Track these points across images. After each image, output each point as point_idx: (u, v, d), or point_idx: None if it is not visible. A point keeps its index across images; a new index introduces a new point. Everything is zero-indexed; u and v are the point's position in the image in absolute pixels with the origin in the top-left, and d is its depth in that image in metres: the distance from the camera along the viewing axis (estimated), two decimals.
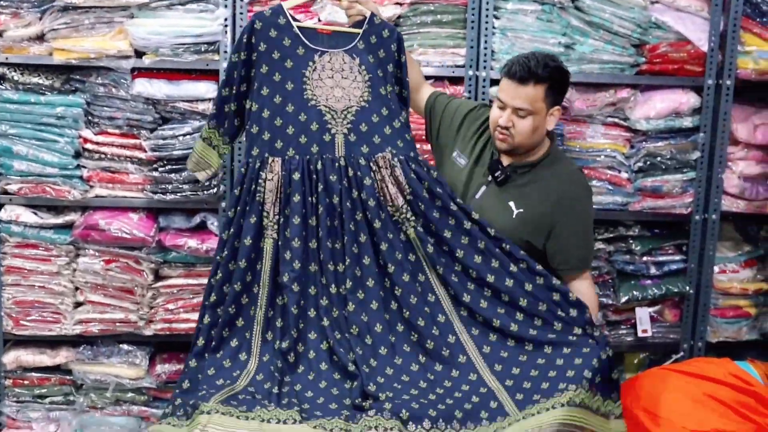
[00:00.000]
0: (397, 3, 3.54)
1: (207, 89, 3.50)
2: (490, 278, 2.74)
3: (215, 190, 3.53)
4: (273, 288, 2.76)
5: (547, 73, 2.79)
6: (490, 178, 2.91)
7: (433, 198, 2.79)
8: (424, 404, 2.55)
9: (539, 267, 2.74)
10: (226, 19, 3.46)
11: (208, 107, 3.49)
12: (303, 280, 2.75)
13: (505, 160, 2.92)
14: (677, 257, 3.85)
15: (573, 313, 2.69)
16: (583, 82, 3.61)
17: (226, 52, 3.48)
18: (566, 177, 2.93)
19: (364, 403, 2.56)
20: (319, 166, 2.80)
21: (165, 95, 3.49)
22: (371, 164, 2.81)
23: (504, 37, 3.56)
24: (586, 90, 3.65)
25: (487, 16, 3.55)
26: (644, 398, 2.74)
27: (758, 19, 3.67)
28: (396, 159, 2.82)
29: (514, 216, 2.86)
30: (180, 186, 3.53)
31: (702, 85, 3.68)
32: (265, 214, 2.76)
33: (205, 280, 3.53)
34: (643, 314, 3.81)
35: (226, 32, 3.47)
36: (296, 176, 2.78)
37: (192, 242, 3.55)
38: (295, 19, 2.87)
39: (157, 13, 3.46)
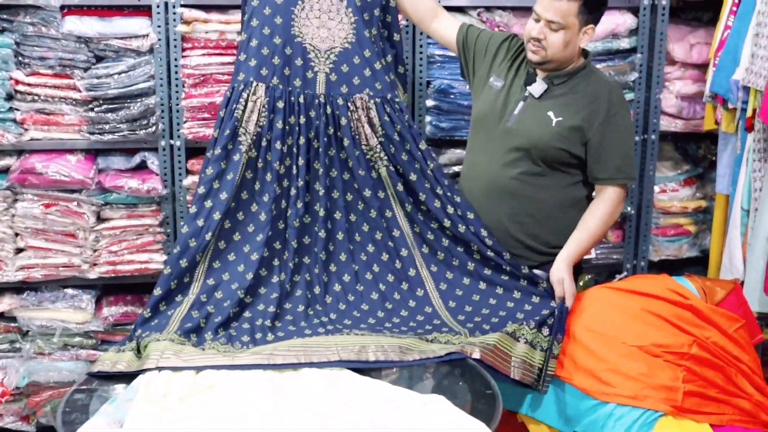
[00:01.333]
0: None
1: (140, 25, 3.41)
2: (447, 223, 2.90)
3: (154, 128, 3.46)
4: (237, 203, 2.89)
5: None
6: (527, 92, 2.92)
7: (403, 141, 2.92)
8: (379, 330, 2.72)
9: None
10: None
11: (143, 44, 3.41)
12: (278, 202, 2.90)
13: (541, 75, 2.93)
14: None
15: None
16: (519, 6, 3.62)
17: None
18: (604, 87, 2.96)
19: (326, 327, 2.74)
20: (300, 100, 2.94)
21: (97, 33, 3.40)
22: (349, 104, 2.95)
23: None
24: (524, 14, 3.61)
25: None
26: (584, 316, 2.77)
27: None
28: (372, 101, 2.94)
29: (553, 124, 2.89)
30: (118, 126, 3.45)
31: (638, 6, 3.69)
32: (242, 130, 2.87)
33: (147, 221, 3.59)
34: None
35: None
36: (280, 104, 2.92)
37: (133, 182, 3.49)
38: None
39: None
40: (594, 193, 3.03)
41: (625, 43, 3.72)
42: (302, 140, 2.90)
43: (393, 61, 3.06)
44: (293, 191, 2.91)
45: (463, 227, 2.89)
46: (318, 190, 2.92)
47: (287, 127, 2.91)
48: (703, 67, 3.78)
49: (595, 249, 3.85)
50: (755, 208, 3.34)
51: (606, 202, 2.95)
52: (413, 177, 2.91)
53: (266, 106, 2.90)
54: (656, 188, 3.89)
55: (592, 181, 2.99)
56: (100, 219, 3.59)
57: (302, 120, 2.91)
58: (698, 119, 3.83)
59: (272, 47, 2.93)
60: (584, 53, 2.99)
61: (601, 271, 3.99)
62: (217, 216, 2.84)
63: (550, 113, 2.90)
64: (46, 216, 3.49)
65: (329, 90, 2.95)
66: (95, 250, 3.58)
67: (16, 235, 3.54)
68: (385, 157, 2.92)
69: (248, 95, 2.89)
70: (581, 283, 3.91)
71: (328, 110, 2.94)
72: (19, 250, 3.57)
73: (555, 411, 2.67)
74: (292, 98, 2.93)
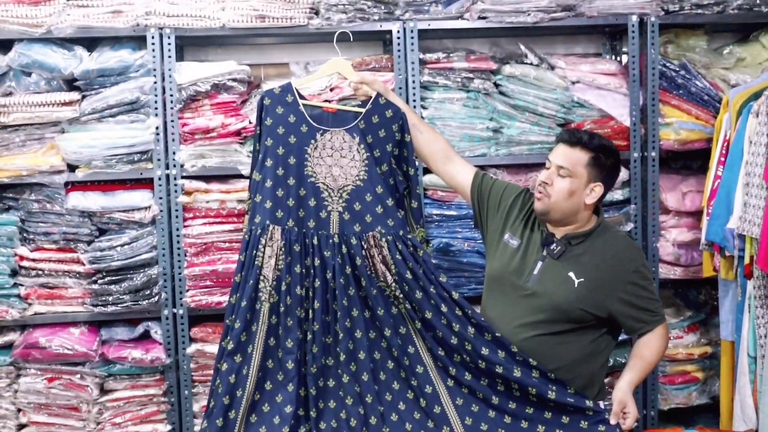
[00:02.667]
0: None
1: (142, 198, 3.47)
2: (466, 357, 2.82)
3: (157, 298, 3.46)
4: (264, 352, 2.83)
5: (594, 143, 2.82)
6: (545, 252, 2.86)
7: (416, 279, 2.85)
8: None
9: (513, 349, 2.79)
10: (157, 128, 3.45)
11: (145, 215, 3.46)
12: (302, 348, 2.85)
13: (558, 234, 2.88)
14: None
15: (557, 393, 2.76)
16: (513, 164, 3.66)
17: (159, 160, 3.46)
18: (621, 242, 2.92)
19: None
20: (315, 241, 2.88)
21: (100, 207, 3.47)
22: (362, 242, 2.89)
23: (433, 126, 3.55)
24: (517, 171, 3.68)
25: (414, 107, 3.57)
26: None
27: (675, 92, 3.75)
28: (384, 239, 2.88)
29: (576, 285, 2.80)
30: (121, 297, 3.46)
31: (628, 159, 3.72)
32: (262, 278, 2.83)
33: (151, 390, 3.55)
34: None
35: (158, 140, 3.46)
36: (296, 247, 2.86)
37: (136, 353, 3.47)
38: (302, 97, 2.94)
39: (88, 126, 3.45)
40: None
41: (618, 195, 3.74)
42: (317, 282, 2.85)
43: (408, 195, 3.00)
44: (309, 336, 2.85)
45: (483, 363, 2.79)
46: (338, 332, 2.85)
47: (304, 270, 2.87)
48: (696, 214, 3.78)
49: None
50: (762, 355, 3.27)
51: (657, 337, 2.87)
52: (429, 315, 2.82)
53: (283, 249, 2.86)
54: None
55: (633, 334, 2.92)
56: (103, 391, 3.56)
57: (317, 262, 2.86)
58: (696, 265, 3.81)
59: (286, 188, 2.88)
60: (596, 211, 2.95)
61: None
62: (245, 371, 2.80)
63: (571, 274, 2.82)
64: (49, 390, 3.47)
65: (343, 229, 2.88)
66: (99, 423, 3.54)
67: (19, 410, 3.51)
68: (401, 295, 2.86)
69: (266, 240, 2.85)
70: None
71: (344, 249, 2.88)
72: (21, 426, 3.52)
73: None
74: (307, 240, 2.88)
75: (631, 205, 3.75)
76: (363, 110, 2.92)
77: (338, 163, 2.90)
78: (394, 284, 2.85)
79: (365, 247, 2.88)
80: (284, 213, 2.87)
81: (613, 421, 2.73)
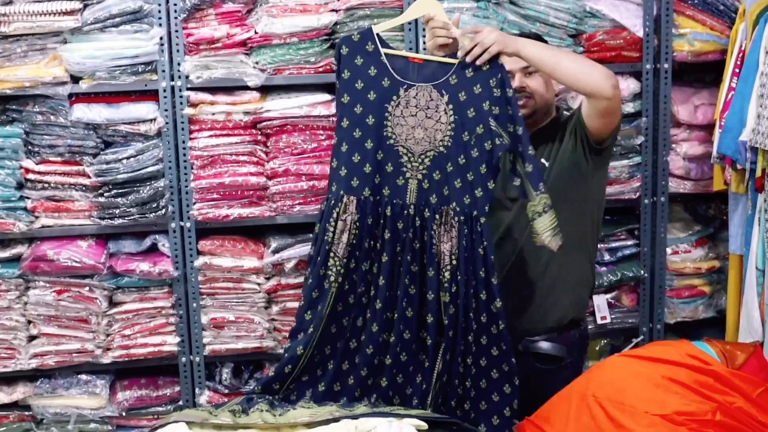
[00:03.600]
0: (332, 10, 3.47)
1: (148, 110, 3.40)
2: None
3: (164, 211, 3.42)
4: (325, 333, 2.66)
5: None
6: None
7: (472, 269, 2.60)
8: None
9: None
10: (161, 39, 3.37)
11: (150, 128, 3.40)
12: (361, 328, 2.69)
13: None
14: (630, 242, 3.84)
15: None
16: None
17: (164, 71, 3.39)
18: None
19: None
20: (388, 212, 2.62)
21: (105, 119, 3.40)
22: (436, 216, 2.61)
23: None
24: None
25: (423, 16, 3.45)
26: (606, 386, 2.67)
27: (690, 2, 3.68)
28: (456, 218, 2.59)
29: (546, 166, 2.82)
30: (128, 210, 3.42)
31: (640, 71, 3.67)
32: (332, 255, 2.62)
33: (159, 303, 3.55)
34: (600, 301, 3.80)
35: (162, 51, 3.38)
36: (369, 220, 2.61)
37: (144, 266, 3.45)
38: (384, 44, 2.64)
39: (91, 36, 3.36)
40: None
41: (629, 108, 3.69)
42: (385, 258, 2.60)
43: (519, 158, 2.57)
44: (368, 315, 2.65)
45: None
46: (392, 316, 2.63)
47: (373, 243, 2.62)
48: (708, 127, 3.75)
49: (610, 313, 3.80)
50: None
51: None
52: (462, 322, 2.60)
53: (356, 223, 2.61)
54: (668, 250, 3.82)
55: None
56: (112, 303, 3.55)
57: (387, 235, 2.60)
58: (707, 180, 3.80)
59: (363, 153, 2.60)
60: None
61: (617, 336, 3.92)
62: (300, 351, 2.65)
63: (542, 160, 2.82)
64: (59, 302, 3.46)
65: (420, 199, 2.58)
66: (108, 335, 3.54)
67: (29, 322, 3.51)
68: (446, 283, 2.59)
69: (338, 213, 2.60)
70: (597, 348, 3.92)
71: (417, 222, 2.59)
72: (31, 338, 3.53)
73: None
74: (380, 209, 2.62)
75: (642, 118, 3.70)
76: (455, 61, 2.58)
77: (422, 124, 2.58)
78: (449, 266, 2.59)
79: (437, 222, 2.60)
80: (360, 181, 2.60)
81: (459, 54, 2.57)
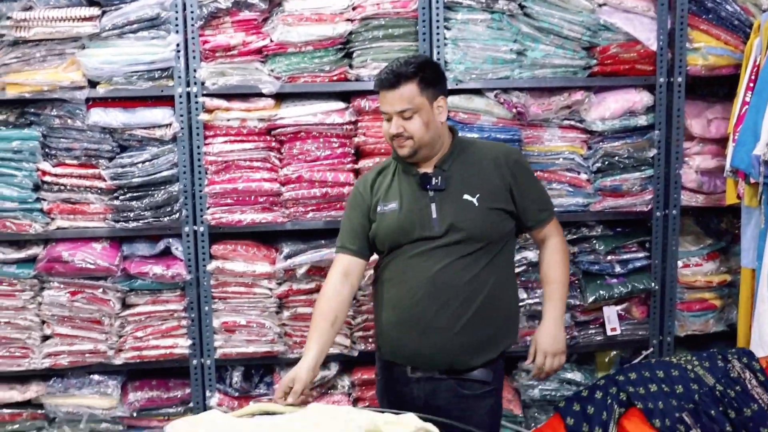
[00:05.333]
0: (348, 19, 3.44)
1: (163, 115, 3.38)
2: None
3: (178, 215, 3.39)
4: None
5: (413, 69, 2.65)
6: (430, 191, 2.71)
7: None
8: None
9: None
10: (178, 45, 3.35)
11: (166, 132, 3.39)
12: None
13: (429, 169, 2.74)
14: (641, 254, 3.79)
15: None
16: (537, 87, 3.56)
17: (180, 77, 3.37)
18: (488, 144, 2.90)
19: None
20: None
21: (121, 123, 3.39)
22: None
23: (456, 47, 3.48)
24: (540, 95, 3.59)
25: (437, 27, 3.45)
26: None
27: (704, 16, 3.64)
28: None
29: (476, 204, 2.69)
30: (142, 213, 3.40)
31: (654, 84, 3.64)
32: None
33: (172, 306, 3.52)
34: (610, 313, 3.75)
35: (179, 58, 3.37)
36: None
37: (157, 269, 3.42)
38: None
39: (108, 42, 3.36)
40: (537, 249, 2.90)
41: (642, 120, 3.65)
42: None
43: None
44: None
45: None
46: None
47: None
48: (721, 141, 3.70)
49: (620, 325, 3.75)
50: None
51: (555, 244, 2.83)
52: None
53: None
54: (679, 263, 3.77)
55: (527, 231, 2.84)
56: (125, 305, 3.54)
57: None
58: (719, 193, 3.74)
59: None
60: (451, 129, 2.82)
61: (627, 347, 3.86)
62: None
63: (467, 196, 2.69)
64: (73, 303, 3.45)
65: None
66: (120, 336, 3.52)
67: (43, 322, 3.50)
68: None
69: None
70: (606, 360, 3.88)
71: None
72: (45, 338, 3.52)
73: None
74: None
75: (654, 131, 3.67)
76: None
77: None
78: None
79: None
80: None
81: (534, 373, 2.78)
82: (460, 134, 2.85)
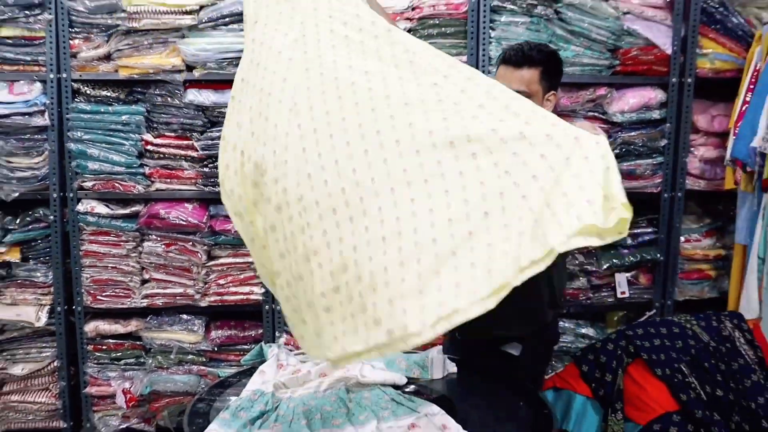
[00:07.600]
0: (407, 18, 3.61)
1: None
2: None
3: None
4: None
5: (541, 57, 2.54)
6: None
7: None
8: None
9: None
10: None
11: None
12: None
13: None
14: (649, 230, 3.90)
15: None
16: (567, 83, 3.65)
17: None
18: None
19: None
20: None
21: (212, 102, 3.60)
22: None
23: (499, 46, 3.61)
24: (570, 89, 3.73)
25: (484, 27, 3.60)
26: None
27: (713, 26, 3.78)
28: None
29: None
30: None
31: (667, 83, 3.75)
32: None
33: (249, 258, 3.60)
34: (621, 279, 3.86)
35: None
36: None
37: None
38: None
39: (204, 33, 3.57)
40: None
41: (656, 115, 3.78)
42: None
43: None
44: None
45: None
46: None
47: None
48: (722, 135, 3.82)
49: (629, 289, 3.87)
50: None
51: None
52: None
53: None
54: (682, 238, 3.88)
55: None
56: (210, 257, 3.74)
57: None
58: (719, 180, 3.86)
59: None
60: None
61: (633, 309, 3.96)
62: None
63: None
64: (167, 253, 3.66)
65: None
66: (206, 283, 3.73)
67: (142, 269, 3.72)
68: None
69: None
70: (615, 318, 4.00)
71: None
72: (144, 282, 3.74)
73: None
74: None
75: (666, 124, 3.79)
76: None
77: None
78: None
79: None
80: None
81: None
82: None
